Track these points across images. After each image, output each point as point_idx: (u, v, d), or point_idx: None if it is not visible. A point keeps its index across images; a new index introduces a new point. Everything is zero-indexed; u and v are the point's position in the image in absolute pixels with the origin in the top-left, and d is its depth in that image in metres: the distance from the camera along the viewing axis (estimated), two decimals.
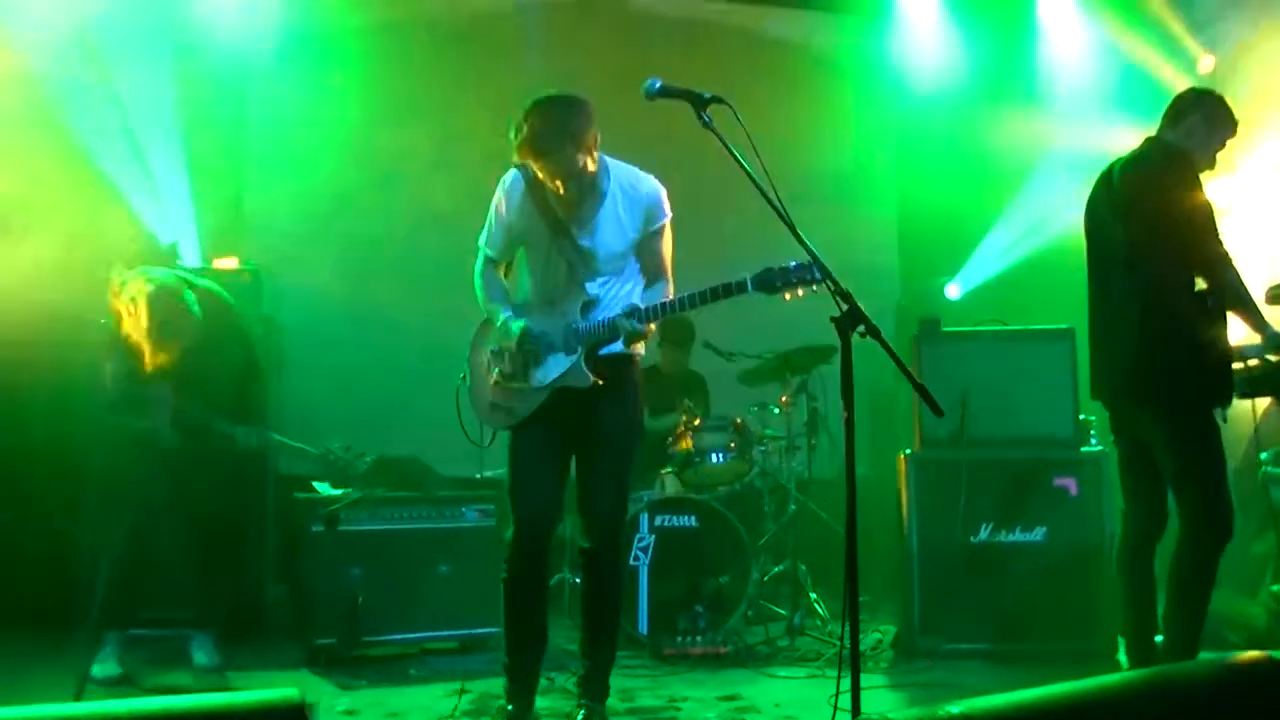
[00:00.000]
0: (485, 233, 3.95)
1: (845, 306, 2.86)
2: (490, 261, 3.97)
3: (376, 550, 5.14)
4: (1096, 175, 4.35)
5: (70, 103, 6.10)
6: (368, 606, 5.03)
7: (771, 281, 3.46)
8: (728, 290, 3.54)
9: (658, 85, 3.18)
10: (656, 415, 6.16)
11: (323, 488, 5.31)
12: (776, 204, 2.95)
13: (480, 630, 5.21)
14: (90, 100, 6.18)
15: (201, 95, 6.64)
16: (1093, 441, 5.36)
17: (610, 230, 3.79)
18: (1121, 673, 2.73)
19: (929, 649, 5.18)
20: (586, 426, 3.83)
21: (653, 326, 3.74)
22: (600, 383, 3.75)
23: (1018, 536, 5.24)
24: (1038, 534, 5.24)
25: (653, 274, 3.91)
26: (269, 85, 7.08)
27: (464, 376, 4.01)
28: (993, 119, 7.52)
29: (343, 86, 7.12)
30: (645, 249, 3.87)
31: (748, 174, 2.99)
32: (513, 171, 3.86)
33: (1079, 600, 5.16)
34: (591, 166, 3.69)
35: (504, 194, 3.87)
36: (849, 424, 2.84)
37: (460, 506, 5.33)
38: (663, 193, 3.86)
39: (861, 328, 2.85)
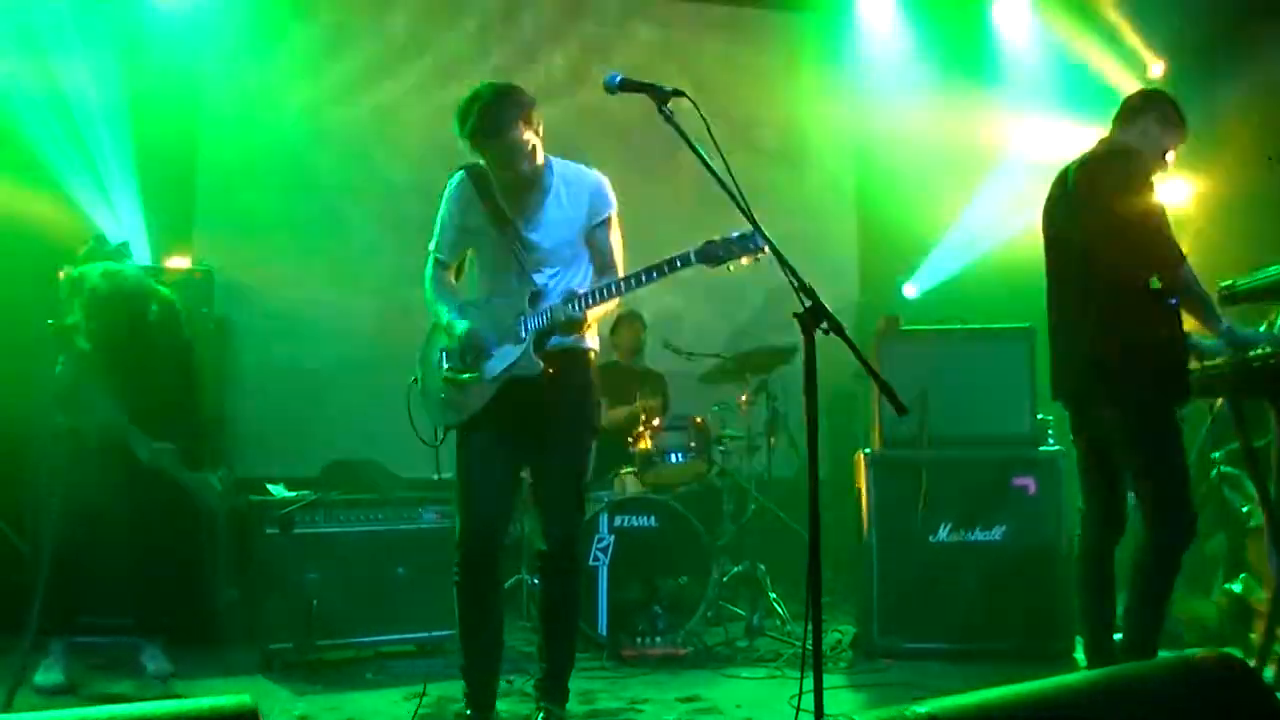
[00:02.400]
0: (435, 237, 3.96)
1: (808, 303, 2.83)
2: (440, 264, 3.96)
3: (332, 553, 5.05)
4: (1052, 176, 4.37)
5: (14, 100, 5.98)
6: (323, 610, 4.94)
7: (714, 253, 3.46)
8: (672, 266, 3.54)
9: (618, 79, 3.14)
10: (614, 406, 6.14)
11: (277, 490, 5.22)
12: (738, 196, 2.92)
13: (438, 633, 5.15)
14: (35, 97, 6.06)
15: (151, 90, 6.53)
16: (1050, 441, 5.38)
17: (555, 222, 3.80)
18: (1084, 672, 2.73)
19: (888, 649, 5.18)
20: (539, 425, 3.78)
21: (595, 312, 3.71)
22: (550, 371, 3.71)
23: (977, 536, 5.26)
24: (996, 533, 5.25)
25: (602, 267, 3.90)
26: (220, 80, 6.98)
27: (415, 379, 3.96)
28: (950, 120, 7.56)
29: (296, 83, 7.04)
30: (593, 241, 3.88)
31: (707, 166, 2.96)
32: (459, 173, 3.89)
33: (1037, 599, 5.17)
34: (539, 148, 3.71)
35: (451, 196, 3.89)
36: (811, 421, 2.81)
37: (417, 508, 5.26)
38: (606, 183, 3.88)
39: (825, 324, 2.82)
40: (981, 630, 5.17)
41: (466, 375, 3.76)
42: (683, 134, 3.02)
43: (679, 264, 3.53)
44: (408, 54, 7.33)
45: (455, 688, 4.04)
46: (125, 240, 5.89)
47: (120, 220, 6.29)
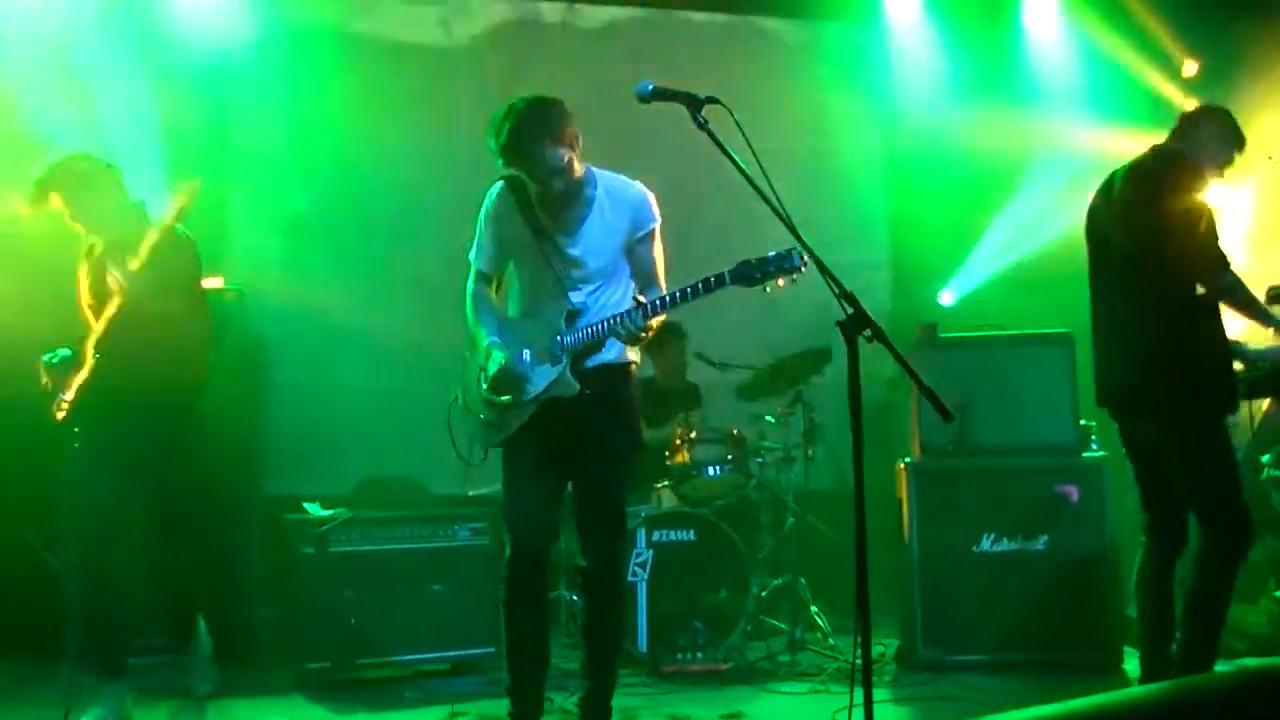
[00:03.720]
0: (474, 247, 3.90)
1: (850, 310, 2.78)
2: (481, 276, 3.90)
3: (368, 571, 5.03)
4: (1084, 179, 4.32)
5: (48, 126, 6.00)
6: (360, 628, 4.93)
7: (749, 274, 3.38)
8: (706, 286, 3.46)
9: (650, 87, 3.11)
10: (654, 427, 6.09)
11: (312, 508, 5.20)
12: (776, 205, 2.88)
13: (474, 651, 5.11)
14: (68, 122, 6.08)
15: (182, 113, 6.55)
16: (1094, 447, 5.30)
17: (597, 236, 3.73)
18: (1143, 686, 2.67)
19: (931, 661, 5.10)
20: (581, 442, 3.73)
21: (654, 324, 3.63)
22: (587, 392, 3.66)
23: (1020, 545, 5.17)
24: (1040, 542, 5.17)
25: (645, 281, 3.84)
26: (252, 102, 6.99)
27: (456, 396, 3.92)
28: (982, 124, 7.49)
29: (327, 102, 7.04)
30: (635, 255, 3.82)
31: (744, 175, 2.92)
32: (499, 183, 3.83)
33: (1083, 609, 5.10)
34: (576, 164, 3.65)
35: (491, 206, 3.84)
36: (856, 431, 2.76)
37: (453, 525, 5.21)
38: (650, 197, 3.81)
39: (867, 331, 2.78)
40: (1026, 641, 5.09)
41: (504, 397, 3.72)
42: (718, 142, 2.99)
43: (713, 284, 3.46)
44: (451, 78, 7.33)
45: (494, 706, 4.00)
46: None
47: None
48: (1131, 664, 4.84)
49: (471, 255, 3.91)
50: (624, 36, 7.71)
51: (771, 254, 3.35)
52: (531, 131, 3.55)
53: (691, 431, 5.71)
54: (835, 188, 7.73)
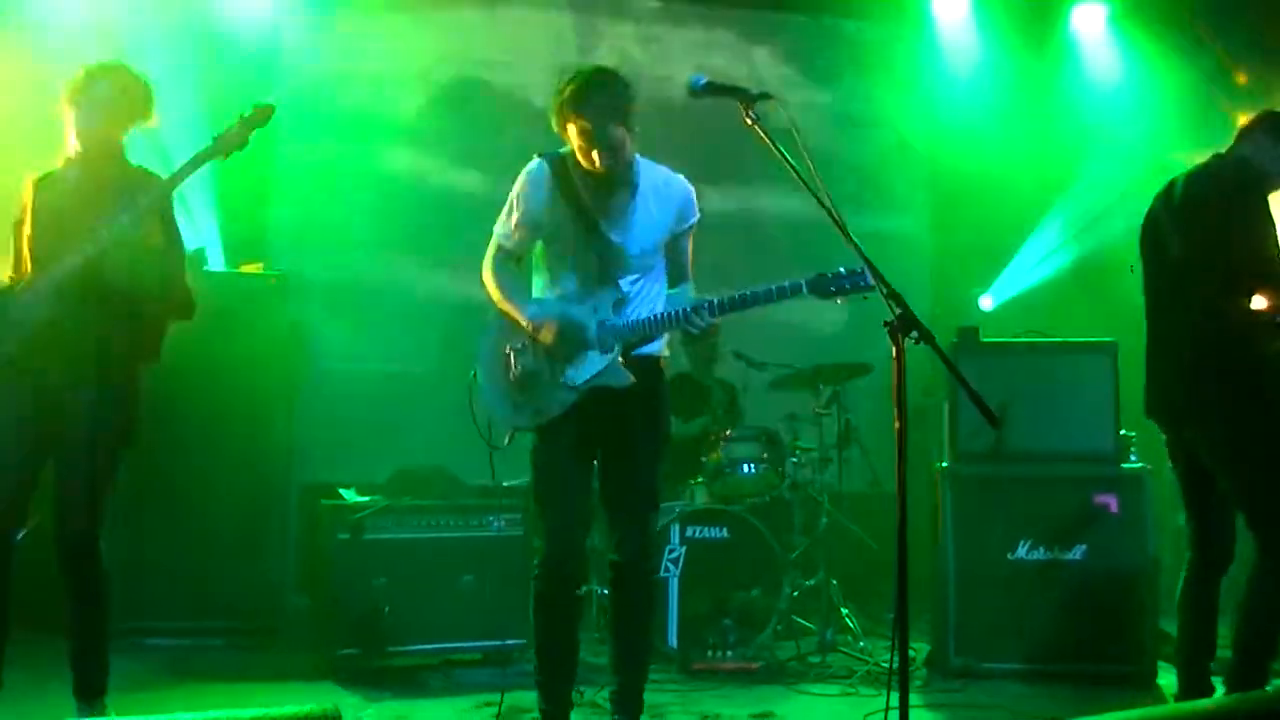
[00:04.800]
0: (504, 223, 3.76)
1: (899, 311, 2.76)
2: (505, 253, 3.78)
3: (402, 559, 5.03)
4: (1130, 188, 4.26)
5: None
6: (392, 616, 4.94)
7: (825, 286, 3.43)
8: (781, 293, 3.47)
9: (703, 81, 3.10)
10: (688, 420, 6.09)
11: (348, 494, 5.22)
12: (827, 204, 2.86)
13: (504, 642, 5.10)
14: None
15: (226, 96, 6.57)
16: (1133, 458, 5.24)
17: (642, 227, 3.68)
18: (1198, 702, 2.63)
19: (963, 668, 5.05)
20: (616, 433, 3.69)
21: (717, 322, 3.65)
22: (634, 382, 3.63)
23: (1056, 555, 5.12)
24: (1077, 552, 5.11)
25: (677, 275, 3.83)
26: (296, 84, 7.01)
27: (474, 374, 3.78)
28: (1027, 129, 7.43)
29: (372, 83, 7.06)
30: (673, 248, 3.80)
31: (796, 174, 2.91)
32: (537, 161, 3.70)
33: (1118, 621, 5.02)
34: (629, 146, 3.57)
35: (528, 184, 3.70)
36: (901, 434, 2.74)
37: (487, 515, 5.20)
38: (693, 192, 3.78)
39: (915, 333, 2.75)
40: (1060, 652, 5.02)
41: (544, 382, 3.64)
42: (771, 140, 2.98)
43: (789, 292, 3.48)
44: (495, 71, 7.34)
45: (524, 698, 4.00)
46: (201, 246, 5.98)
47: (196, 226, 6.34)
48: (1166, 679, 4.79)
49: (499, 230, 3.77)
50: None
51: (845, 270, 3.41)
52: (600, 101, 3.47)
53: (727, 429, 5.70)
54: (877, 187, 7.69)
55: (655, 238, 3.71)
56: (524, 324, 3.65)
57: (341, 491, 5.26)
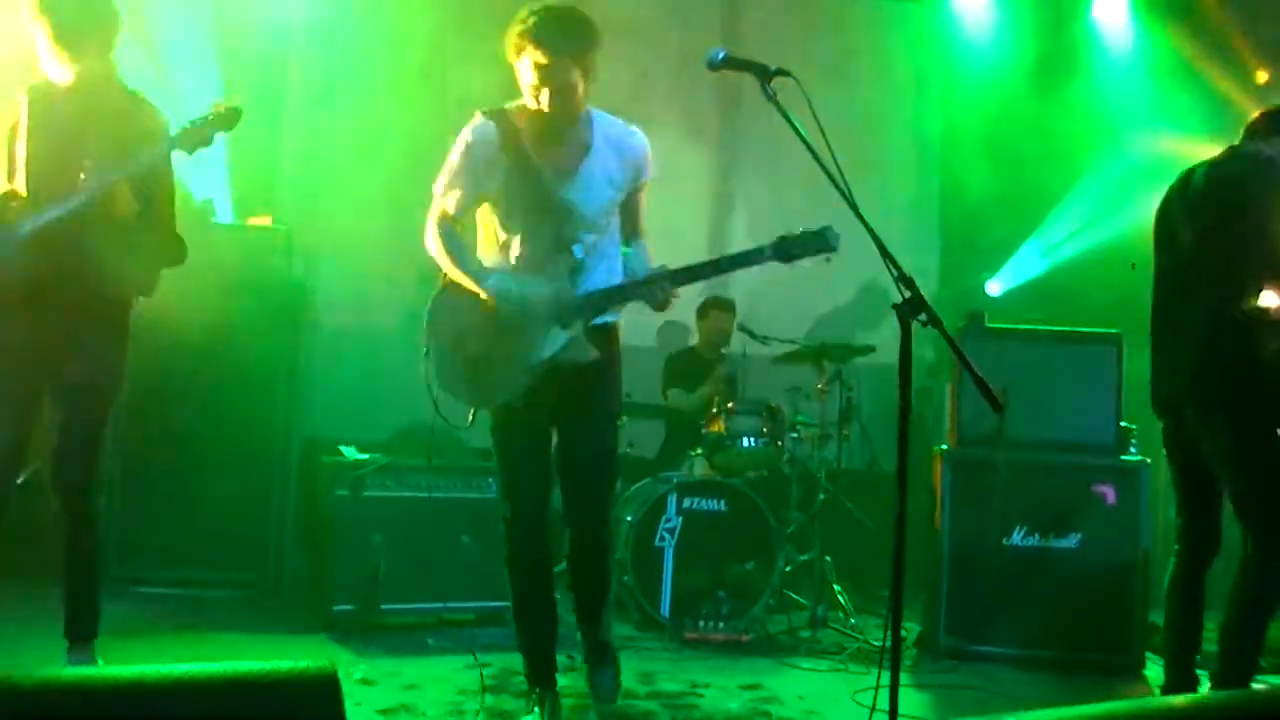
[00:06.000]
0: (444, 182, 3.52)
1: (908, 293, 2.76)
2: (449, 218, 3.53)
3: (400, 517, 5.07)
4: (1144, 181, 4.25)
5: None
6: (388, 574, 4.97)
7: (787, 250, 3.35)
8: (745, 259, 3.43)
9: (722, 55, 3.08)
10: (689, 392, 6.12)
11: (349, 451, 5.24)
12: (841, 183, 2.85)
13: (499, 603, 5.12)
14: (123, 45, 6.09)
15: (239, 48, 6.55)
16: (1133, 450, 5.25)
17: (598, 184, 3.50)
18: (1183, 697, 2.63)
19: (954, 650, 5.08)
20: (574, 400, 3.57)
21: (678, 292, 3.51)
22: (599, 355, 3.52)
23: (1051, 542, 5.14)
24: (1071, 540, 5.13)
25: (631, 233, 3.70)
26: (309, 38, 6.97)
27: (426, 351, 3.58)
28: (1042, 117, 7.40)
29: (386, 38, 7.02)
30: (628, 205, 3.65)
31: (811, 151, 2.90)
32: (480, 119, 3.48)
33: (1109, 612, 5.05)
34: (581, 93, 3.38)
35: (473, 141, 3.46)
36: (904, 413, 2.75)
37: (486, 477, 5.22)
38: (649, 147, 3.64)
39: (923, 316, 2.76)
40: (1049, 639, 5.05)
41: (501, 359, 3.47)
42: (786, 115, 2.95)
43: (750, 257, 3.41)
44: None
45: (515, 659, 4.01)
46: (209, 198, 5.98)
47: (205, 178, 6.32)
48: (1153, 671, 4.82)
49: (439, 190, 3.53)
50: None
51: (807, 230, 3.33)
52: (561, 36, 3.28)
53: (729, 401, 5.72)
54: (887, 170, 7.66)
55: (611, 195, 3.55)
56: (484, 296, 3.47)
57: (342, 448, 5.28)
